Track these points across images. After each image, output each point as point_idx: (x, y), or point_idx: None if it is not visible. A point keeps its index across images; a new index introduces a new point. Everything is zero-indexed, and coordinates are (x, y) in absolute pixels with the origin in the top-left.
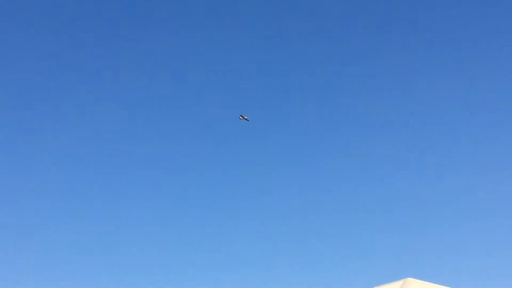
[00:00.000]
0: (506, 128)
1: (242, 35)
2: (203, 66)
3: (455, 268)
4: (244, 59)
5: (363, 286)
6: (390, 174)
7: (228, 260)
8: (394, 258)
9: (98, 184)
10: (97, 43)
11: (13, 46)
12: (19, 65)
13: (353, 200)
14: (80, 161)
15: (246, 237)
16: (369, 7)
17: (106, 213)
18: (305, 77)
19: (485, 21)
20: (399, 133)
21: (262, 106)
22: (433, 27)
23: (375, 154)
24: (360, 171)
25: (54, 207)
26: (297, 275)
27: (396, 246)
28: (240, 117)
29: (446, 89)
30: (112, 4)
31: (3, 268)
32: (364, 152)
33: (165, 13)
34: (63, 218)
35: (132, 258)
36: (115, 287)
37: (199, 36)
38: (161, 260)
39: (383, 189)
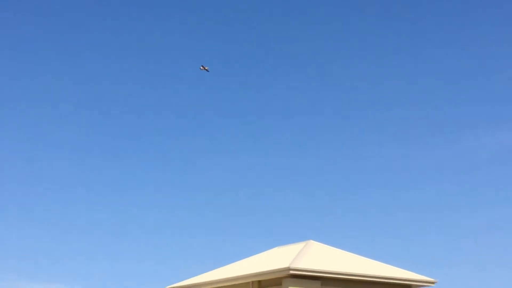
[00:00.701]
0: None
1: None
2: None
3: (357, 234)
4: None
5: (265, 246)
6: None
7: None
8: (297, 220)
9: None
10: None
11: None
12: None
13: (261, 161)
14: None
15: None
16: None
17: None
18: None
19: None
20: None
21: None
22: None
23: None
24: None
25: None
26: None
27: (299, 208)
28: (201, 68)
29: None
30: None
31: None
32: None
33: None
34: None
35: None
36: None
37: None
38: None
39: (293, 152)
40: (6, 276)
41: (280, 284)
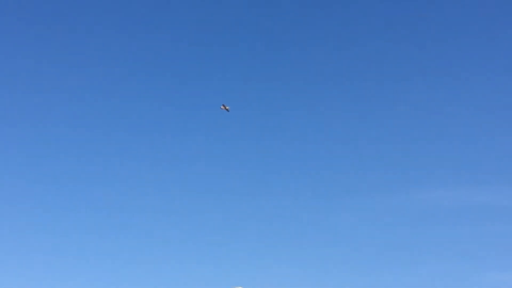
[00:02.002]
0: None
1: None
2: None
3: (284, 278)
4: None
5: None
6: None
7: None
8: (224, 265)
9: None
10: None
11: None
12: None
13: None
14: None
15: None
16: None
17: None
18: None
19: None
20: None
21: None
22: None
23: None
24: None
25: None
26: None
27: (230, 253)
28: (222, 107)
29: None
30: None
31: None
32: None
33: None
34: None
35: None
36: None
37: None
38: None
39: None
40: None
41: None
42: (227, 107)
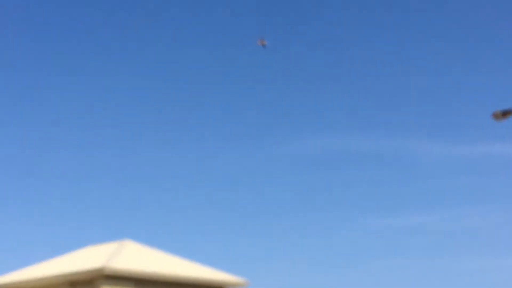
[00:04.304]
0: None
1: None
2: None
3: (173, 233)
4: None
5: (74, 246)
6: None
7: None
8: (110, 218)
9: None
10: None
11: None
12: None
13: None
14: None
15: None
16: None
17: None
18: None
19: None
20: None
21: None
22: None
23: None
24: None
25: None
26: None
27: (112, 206)
28: (259, 42)
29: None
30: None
31: None
32: None
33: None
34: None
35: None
36: None
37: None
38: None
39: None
40: None
41: (92, 284)
42: (264, 42)
